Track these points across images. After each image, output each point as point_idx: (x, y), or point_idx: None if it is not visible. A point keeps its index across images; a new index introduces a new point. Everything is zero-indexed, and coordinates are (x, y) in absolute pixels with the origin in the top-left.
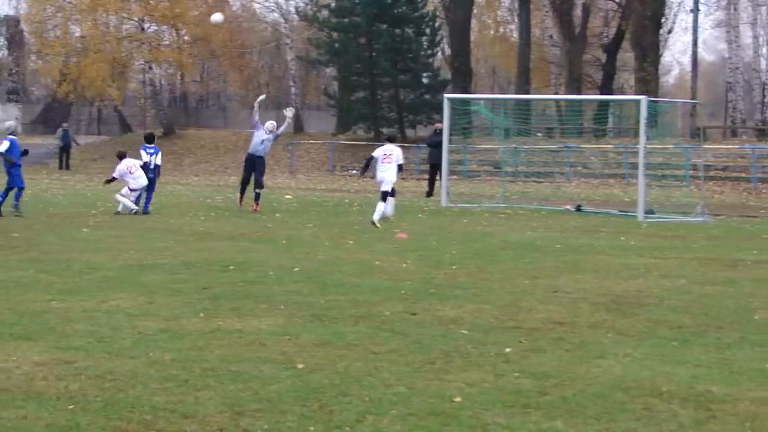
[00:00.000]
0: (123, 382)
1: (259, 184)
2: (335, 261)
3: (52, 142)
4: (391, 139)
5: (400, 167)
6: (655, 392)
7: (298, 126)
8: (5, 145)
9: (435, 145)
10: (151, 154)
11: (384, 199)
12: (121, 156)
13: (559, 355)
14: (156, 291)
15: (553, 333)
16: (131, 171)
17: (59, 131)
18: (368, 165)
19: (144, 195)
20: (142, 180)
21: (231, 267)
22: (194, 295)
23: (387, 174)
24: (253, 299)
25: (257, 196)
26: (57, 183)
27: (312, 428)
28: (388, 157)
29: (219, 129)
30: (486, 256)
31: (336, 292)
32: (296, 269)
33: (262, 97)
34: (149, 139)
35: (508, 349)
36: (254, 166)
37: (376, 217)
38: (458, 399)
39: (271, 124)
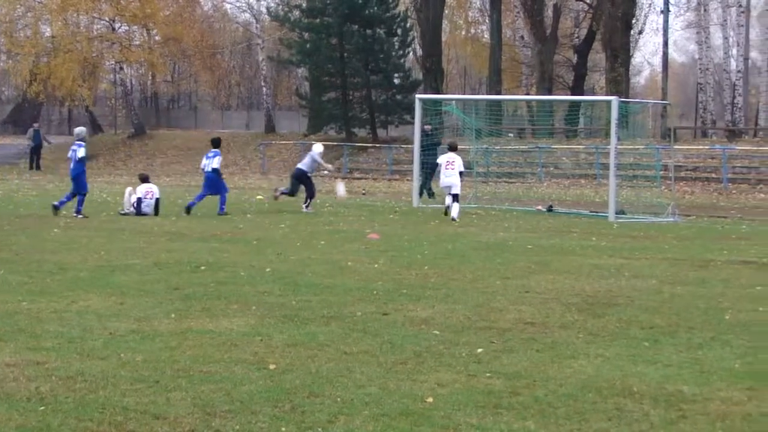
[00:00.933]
0: (94, 383)
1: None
2: (307, 261)
3: (23, 142)
4: (452, 148)
5: (461, 174)
6: (626, 392)
7: (269, 126)
8: (82, 151)
9: (425, 147)
10: (209, 158)
11: (456, 200)
12: (144, 179)
13: (531, 355)
14: (127, 292)
15: (525, 333)
16: (148, 196)
17: (30, 131)
18: (434, 171)
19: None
20: (149, 208)
21: (202, 267)
22: (165, 295)
23: (451, 179)
24: (225, 300)
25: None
26: (28, 183)
27: (284, 429)
28: (451, 164)
29: (190, 129)
30: (457, 257)
31: (308, 292)
32: (268, 270)
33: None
34: (215, 143)
35: (479, 350)
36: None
37: (454, 214)
38: (430, 399)
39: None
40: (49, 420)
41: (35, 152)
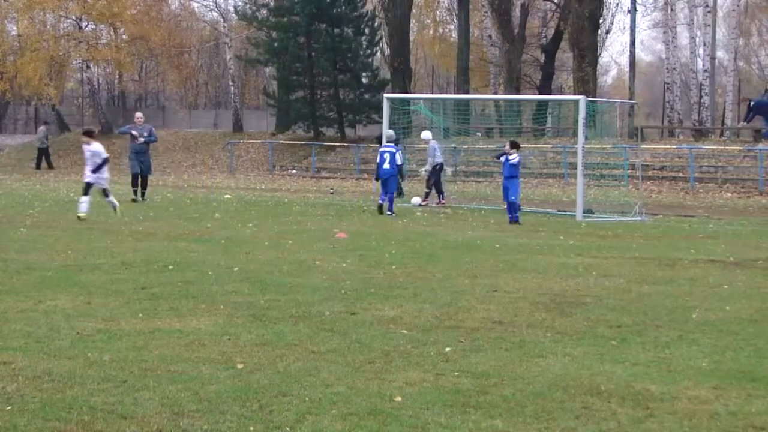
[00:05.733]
0: (61, 383)
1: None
2: (275, 261)
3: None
4: None
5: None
6: (593, 391)
7: (237, 125)
8: (400, 156)
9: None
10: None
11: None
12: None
13: (499, 354)
14: (94, 291)
15: (493, 332)
16: None
17: (42, 130)
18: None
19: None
20: None
21: (170, 267)
22: (133, 295)
23: None
24: (192, 299)
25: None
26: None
27: (252, 428)
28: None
29: (157, 128)
30: (425, 256)
31: (275, 291)
32: (235, 269)
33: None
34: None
35: (447, 349)
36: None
37: None
38: (398, 398)
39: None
40: (15, 420)
41: (45, 152)
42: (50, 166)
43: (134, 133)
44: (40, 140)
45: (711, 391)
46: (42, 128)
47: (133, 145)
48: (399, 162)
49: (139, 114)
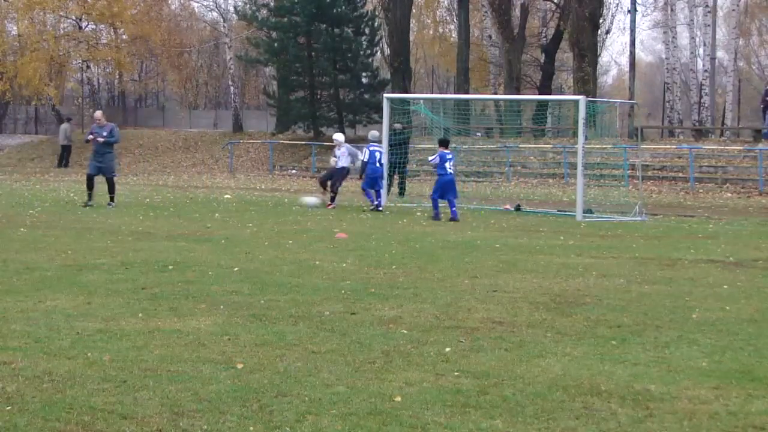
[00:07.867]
0: (61, 383)
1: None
2: (275, 261)
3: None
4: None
5: None
6: (594, 391)
7: (237, 125)
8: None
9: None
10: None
11: None
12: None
13: (499, 354)
14: (94, 291)
15: (493, 332)
16: None
17: (67, 128)
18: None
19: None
20: None
21: (170, 267)
22: (133, 295)
23: None
24: (192, 299)
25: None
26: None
27: (252, 428)
28: None
29: (157, 128)
30: (425, 256)
31: (275, 291)
32: (235, 269)
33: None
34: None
35: (447, 349)
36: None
37: None
38: (398, 398)
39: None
40: (15, 420)
41: (67, 150)
42: (66, 164)
43: (90, 138)
44: (66, 138)
45: (711, 391)
46: (66, 125)
47: (94, 145)
48: (384, 161)
49: (97, 113)
